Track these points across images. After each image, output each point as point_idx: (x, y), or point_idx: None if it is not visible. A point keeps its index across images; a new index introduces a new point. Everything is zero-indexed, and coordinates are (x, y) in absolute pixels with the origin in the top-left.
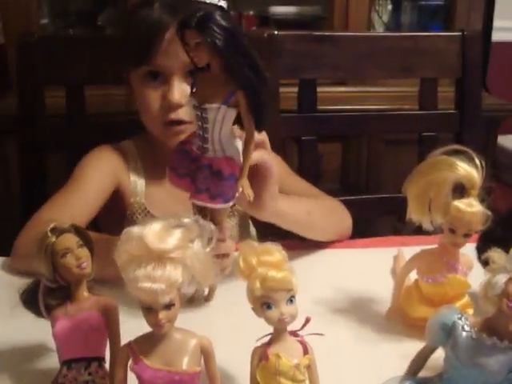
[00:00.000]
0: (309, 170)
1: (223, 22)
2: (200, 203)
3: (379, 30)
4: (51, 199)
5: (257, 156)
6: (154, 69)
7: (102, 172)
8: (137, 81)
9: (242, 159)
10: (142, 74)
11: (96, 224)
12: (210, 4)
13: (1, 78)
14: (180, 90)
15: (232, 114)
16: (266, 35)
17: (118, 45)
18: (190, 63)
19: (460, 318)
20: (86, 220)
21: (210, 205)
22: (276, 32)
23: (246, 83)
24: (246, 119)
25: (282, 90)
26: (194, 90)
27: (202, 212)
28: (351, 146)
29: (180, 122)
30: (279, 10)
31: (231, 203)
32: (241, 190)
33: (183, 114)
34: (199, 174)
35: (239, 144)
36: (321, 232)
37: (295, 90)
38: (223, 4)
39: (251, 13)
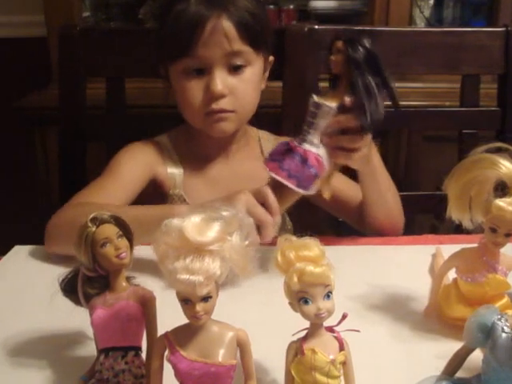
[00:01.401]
0: (346, 166)
1: (368, 46)
2: (283, 181)
3: (420, 26)
4: (88, 185)
5: None
6: (195, 62)
7: (136, 162)
8: (177, 75)
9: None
10: (182, 69)
11: None
12: None
13: (43, 69)
14: (222, 79)
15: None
16: (306, 29)
17: (156, 40)
18: (229, 54)
19: (500, 319)
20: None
21: (291, 185)
22: (316, 26)
23: (359, 102)
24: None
25: (321, 84)
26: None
27: (273, 190)
28: (390, 141)
29: (222, 111)
30: (319, 4)
31: (307, 192)
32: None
33: (225, 103)
34: (288, 158)
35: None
36: (386, 208)
37: None
38: None
39: (291, 7)
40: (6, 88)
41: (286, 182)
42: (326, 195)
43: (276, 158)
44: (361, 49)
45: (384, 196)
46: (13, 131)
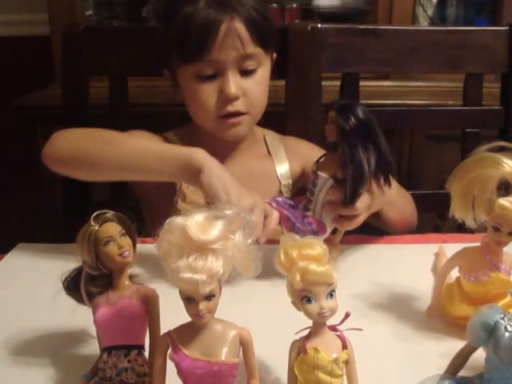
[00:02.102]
0: None
1: (360, 114)
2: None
3: (424, 24)
4: None
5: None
6: (207, 67)
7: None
8: (187, 78)
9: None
10: (195, 72)
11: (138, 211)
12: None
13: (46, 68)
14: (235, 82)
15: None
16: (309, 28)
17: (161, 41)
18: (243, 57)
19: (503, 318)
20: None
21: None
22: (319, 25)
23: (349, 174)
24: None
25: (324, 83)
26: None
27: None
28: (393, 140)
29: (237, 114)
30: (322, 2)
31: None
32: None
33: (239, 105)
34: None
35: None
36: (398, 209)
37: (338, 83)
38: None
39: (294, 5)
40: (9, 86)
41: (283, 221)
42: (334, 256)
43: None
44: (352, 118)
45: (395, 204)
46: (15, 130)
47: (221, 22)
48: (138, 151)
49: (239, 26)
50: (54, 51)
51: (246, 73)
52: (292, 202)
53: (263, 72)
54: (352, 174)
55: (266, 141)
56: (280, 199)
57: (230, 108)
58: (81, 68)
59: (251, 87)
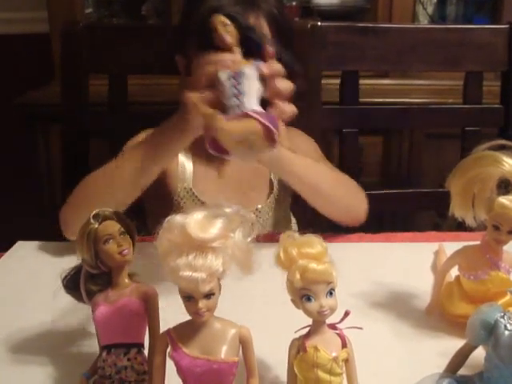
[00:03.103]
0: (349, 162)
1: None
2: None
3: (424, 23)
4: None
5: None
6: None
7: None
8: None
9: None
10: None
11: (143, 209)
12: None
13: (45, 66)
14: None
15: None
16: (309, 26)
17: (179, 28)
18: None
19: (502, 317)
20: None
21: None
22: (319, 23)
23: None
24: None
25: (324, 81)
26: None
27: None
28: (392, 139)
29: None
30: (322, 0)
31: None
32: None
33: None
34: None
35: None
36: (329, 202)
37: (337, 81)
38: None
39: (294, 3)
40: (9, 84)
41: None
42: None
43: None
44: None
45: (331, 197)
46: (15, 128)
47: (247, 17)
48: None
49: (264, 24)
50: (53, 49)
51: None
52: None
53: None
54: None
55: None
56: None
57: None
58: (80, 66)
59: None
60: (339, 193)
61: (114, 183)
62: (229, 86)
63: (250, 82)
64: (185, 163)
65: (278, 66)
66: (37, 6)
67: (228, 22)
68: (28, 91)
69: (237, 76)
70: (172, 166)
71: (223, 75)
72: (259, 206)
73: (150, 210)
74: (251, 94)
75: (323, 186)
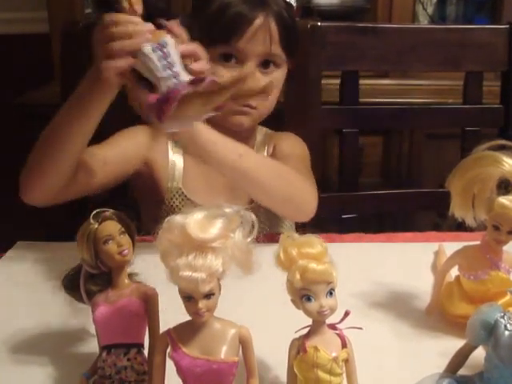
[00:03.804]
0: (349, 162)
1: None
2: None
3: (423, 23)
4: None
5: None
6: (231, 51)
7: (132, 140)
8: (211, 58)
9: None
10: (217, 54)
11: (136, 208)
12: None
13: (45, 66)
14: (253, 76)
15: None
16: (309, 26)
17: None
18: (267, 54)
19: (502, 317)
20: (109, 165)
21: None
22: (319, 23)
23: None
24: None
25: (324, 81)
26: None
27: None
28: (392, 139)
29: (246, 105)
30: (322, 0)
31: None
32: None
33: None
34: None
35: None
36: (263, 191)
37: (337, 81)
38: (293, 2)
39: (295, 4)
40: (8, 84)
41: None
42: None
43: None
44: None
45: (265, 186)
46: (14, 128)
47: (256, 15)
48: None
49: (272, 24)
50: (53, 49)
51: (265, 70)
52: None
53: (280, 74)
54: None
55: (255, 136)
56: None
57: None
58: (80, 66)
59: None
60: (276, 183)
61: (55, 142)
62: (156, 58)
63: (174, 51)
64: (175, 162)
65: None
66: (37, 6)
67: None
68: (28, 91)
69: (161, 47)
70: (162, 164)
71: (147, 48)
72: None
73: (144, 209)
74: (179, 62)
75: (255, 174)
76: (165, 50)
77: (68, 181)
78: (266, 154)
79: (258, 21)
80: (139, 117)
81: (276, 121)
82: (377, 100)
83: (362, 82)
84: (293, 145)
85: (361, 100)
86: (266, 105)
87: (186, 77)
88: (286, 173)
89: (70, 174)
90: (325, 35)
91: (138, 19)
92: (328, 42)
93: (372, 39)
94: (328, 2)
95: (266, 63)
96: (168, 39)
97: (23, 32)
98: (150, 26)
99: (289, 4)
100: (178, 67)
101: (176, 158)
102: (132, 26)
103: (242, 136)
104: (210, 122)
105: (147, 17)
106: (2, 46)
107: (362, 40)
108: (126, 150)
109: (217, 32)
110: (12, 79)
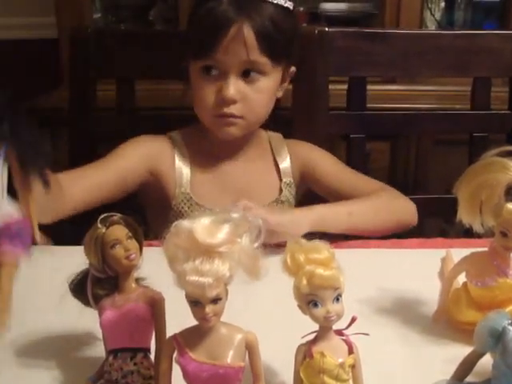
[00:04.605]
0: (356, 168)
1: None
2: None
3: (431, 28)
4: (73, 169)
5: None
6: (211, 63)
7: (137, 151)
8: (194, 73)
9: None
10: (200, 67)
11: (143, 212)
12: (276, 4)
13: (53, 71)
14: (235, 86)
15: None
16: (316, 32)
17: (175, 38)
18: (246, 62)
19: (510, 324)
20: (103, 195)
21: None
22: (326, 29)
23: None
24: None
25: (331, 87)
26: None
27: None
28: (399, 144)
29: (231, 116)
30: (330, 6)
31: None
32: None
33: (235, 109)
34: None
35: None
36: (374, 231)
37: (344, 87)
38: (289, 5)
39: (301, 9)
40: (17, 89)
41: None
42: None
43: None
44: None
45: (376, 227)
46: None
47: (231, 24)
48: None
49: (248, 34)
50: (61, 54)
51: (248, 79)
52: None
53: (267, 82)
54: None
55: (270, 143)
56: None
57: (226, 110)
58: (88, 71)
59: (251, 94)
60: (377, 220)
61: None
62: None
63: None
64: (182, 168)
65: None
66: (45, 11)
67: None
68: (36, 95)
69: None
70: (169, 172)
71: None
72: None
73: (151, 215)
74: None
75: (365, 225)
76: None
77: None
78: (289, 162)
79: (233, 30)
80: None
81: (283, 126)
82: (384, 105)
83: (369, 87)
84: (323, 155)
85: (368, 105)
86: (253, 112)
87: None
88: (384, 202)
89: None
90: (332, 41)
91: None
92: (335, 47)
93: (379, 45)
94: (335, 7)
95: (248, 73)
96: None
97: (31, 37)
98: None
99: (281, 7)
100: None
101: (182, 164)
102: None
103: (240, 143)
104: (208, 130)
105: None
106: (10, 51)
107: (370, 45)
108: (124, 170)
109: (195, 45)
110: (21, 84)
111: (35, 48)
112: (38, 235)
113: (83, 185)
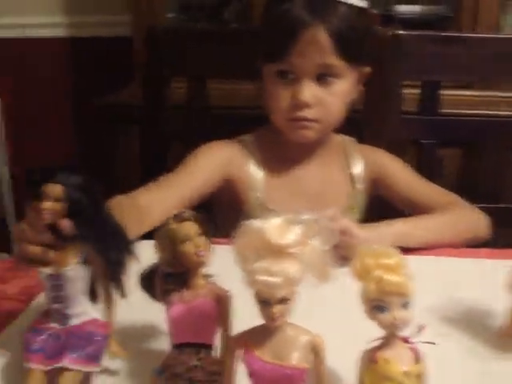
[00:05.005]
0: (426, 174)
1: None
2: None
3: (510, 32)
4: (157, 180)
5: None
6: (286, 68)
7: (209, 161)
8: (268, 76)
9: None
10: (274, 71)
11: (213, 212)
12: (351, 5)
13: (126, 68)
14: (309, 90)
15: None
16: (390, 35)
17: (249, 37)
18: (321, 65)
19: None
20: (184, 205)
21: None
22: (401, 32)
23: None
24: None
25: (404, 91)
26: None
27: None
28: (472, 151)
29: (305, 119)
30: (404, 8)
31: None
32: None
33: (309, 112)
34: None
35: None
36: (445, 247)
37: (417, 91)
38: (364, 4)
39: (375, 11)
40: (91, 85)
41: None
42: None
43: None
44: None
45: (452, 240)
46: (95, 128)
47: (306, 28)
48: None
49: (323, 37)
50: (134, 52)
51: (323, 82)
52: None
53: (343, 84)
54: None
55: (343, 147)
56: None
57: (300, 113)
58: (161, 69)
59: (326, 97)
60: (451, 235)
61: None
62: (49, 286)
63: (73, 286)
64: (256, 173)
65: None
66: (119, 10)
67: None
68: (109, 92)
69: (57, 278)
70: (243, 175)
71: (42, 274)
72: None
73: (221, 216)
74: (77, 297)
75: (443, 242)
76: (59, 283)
77: None
78: (362, 168)
79: (308, 34)
80: None
81: (353, 129)
82: (459, 111)
83: (443, 92)
84: (385, 155)
85: (442, 111)
86: (328, 116)
87: (76, 319)
88: (460, 217)
89: None
90: (406, 44)
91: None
92: (409, 51)
93: (455, 49)
94: (410, 9)
95: (323, 76)
96: (70, 271)
97: (106, 35)
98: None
99: (355, 7)
100: (72, 304)
101: (256, 169)
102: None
103: (314, 146)
104: (281, 133)
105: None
106: (84, 49)
107: (445, 49)
108: (200, 185)
109: (269, 48)
110: (94, 80)
111: (107, 46)
112: (114, 347)
113: (161, 209)
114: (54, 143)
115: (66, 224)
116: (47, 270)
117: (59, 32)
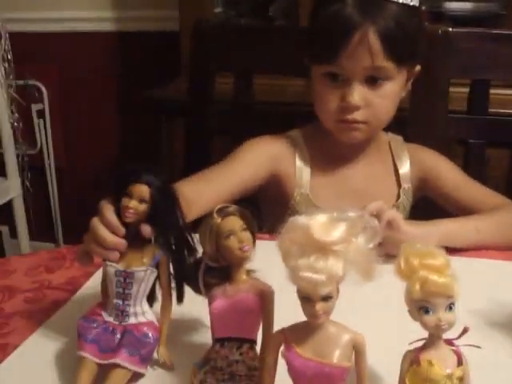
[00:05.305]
0: (473, 175)
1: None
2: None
3: None
4: (202, 172)
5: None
6: (335, 70)
7: (256, 156)
8: (317, 77)
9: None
10: (323, 73)
11: (258, 206)
12: (402, 4)
13: (173, 63)
14: (359, 92)
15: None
16: (440, 32)
17: (296, 35)
18: (370, 68)
19: None
20: (229, 198)
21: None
22: (450, 29)
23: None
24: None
25: (452, 89)
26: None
27: None
28: None
29: (354, 121)
30: (454, 5)
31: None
32: None
33: (358, 114)
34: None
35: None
36: (500, 245)
37: (465, 90)
38: (415, 3)
39: (424, 8)
40: (139, 79)
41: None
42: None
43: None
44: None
45: (478, 240)
46: (143, 120)
47: (356, 30)
48: None
49: (373, 40)
50: (181, 47)
51: (372, 84)
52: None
53: (392, 86)
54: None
55: (390, 145)
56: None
57: (349, 116)
58: (208, 64)
59: (375, 100)
60: (501, 237)
61: None
62: (115, 282)
63: (140, 288)
64: (302, 169)
65: None
66: (168, 5)
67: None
68: (156, 85)
69: (126, 276)
70: (290, 171)
71: (110, 269)
72: None
73: (266, 211)
74: (140, 299)
75: (485, 238)
76: (128, 281)
77: None
78: (409, 167)
79: (357, 36)
80: None
81: (398, 127)
82: (508, 111)
83: (493, 91)
84: (434, 155)
85: (491, 110)
86: (377, 117)
87: (134, 318)
88: (509, 219)
89: None
90: (456, 41)
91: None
92: (459, 48)
93: (507, 47)
94: (460, 6)
95: (372, 79)
96: (140, 272)
97: (154, 29)
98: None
99: (407, 6)
100: (133, 302)
101: (303, 165)
102: (104, 237)
103: (362, 144)
104: (322, 135)
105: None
106: (135, 42)
107: (496, 47)
108: (246, 178)
109: (318, 49)
110: (142, 74)
111: (155, 40)
112: (165, 356)
113: (207, 202)
114: (100, 136)
115: (147, 229)
116: (118, 266)
117: (107, 26)
